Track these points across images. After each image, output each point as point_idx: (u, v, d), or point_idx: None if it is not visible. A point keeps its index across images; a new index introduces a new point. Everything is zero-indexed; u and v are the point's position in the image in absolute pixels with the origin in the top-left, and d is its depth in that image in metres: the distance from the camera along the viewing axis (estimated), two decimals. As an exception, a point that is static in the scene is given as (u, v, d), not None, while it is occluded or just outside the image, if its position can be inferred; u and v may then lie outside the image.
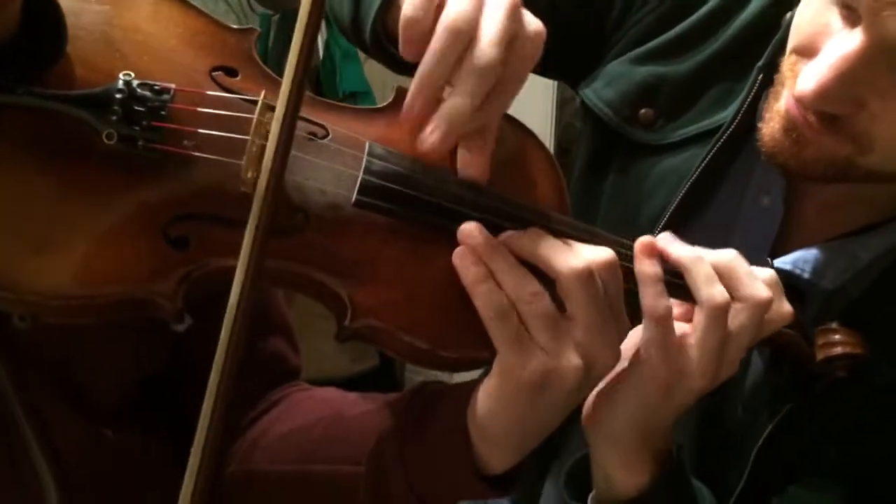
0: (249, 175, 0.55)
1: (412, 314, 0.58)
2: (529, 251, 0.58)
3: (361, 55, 2.30)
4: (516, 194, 0.62)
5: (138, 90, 0.54)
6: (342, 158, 0.58)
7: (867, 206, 0.78)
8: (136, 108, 0.54)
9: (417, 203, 0.59)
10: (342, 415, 0.70)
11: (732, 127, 0.77)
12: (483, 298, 0.57)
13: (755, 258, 0.69)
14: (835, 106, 0.65)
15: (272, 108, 0.55)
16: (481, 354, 0.59)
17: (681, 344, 0.62)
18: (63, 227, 0.53)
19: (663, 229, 0.79)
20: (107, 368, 0.66)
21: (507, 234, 0.59)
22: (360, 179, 0.58)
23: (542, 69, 0.95)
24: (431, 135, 0.57)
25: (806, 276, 0.77)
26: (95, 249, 0.53)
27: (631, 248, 0.63)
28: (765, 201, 0.79)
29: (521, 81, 0.59)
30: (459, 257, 0.58)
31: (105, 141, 0.53)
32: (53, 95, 0.53)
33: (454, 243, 0.59)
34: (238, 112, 0.56)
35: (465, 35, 0.55)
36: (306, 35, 0.52)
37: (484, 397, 0.60)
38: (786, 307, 0.66)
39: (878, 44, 0.61)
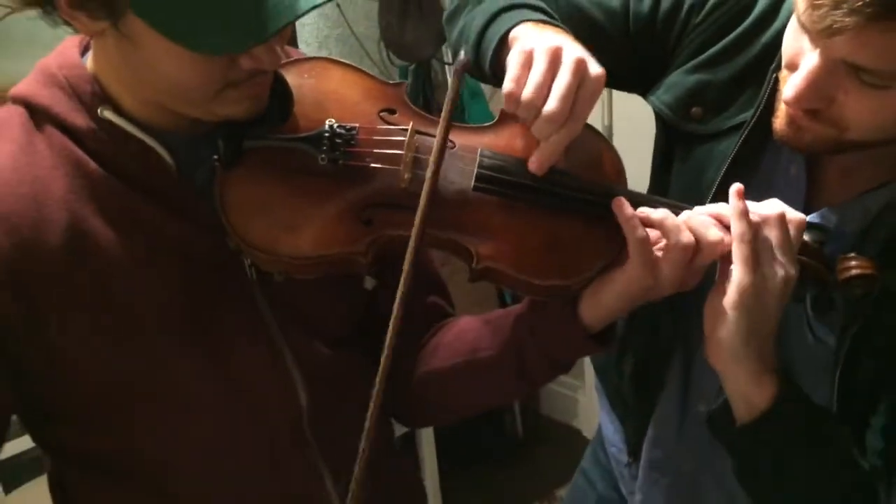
0: (406, 176, 0.86)
1: (517, 257, 0.87)
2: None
3: (486, 92, 2.62)
4: (591, 175, 0.90)
5: (337, 129, 0.87)
6: (464, 160, 0.88)
7: (878, 167, 0.95)
8: (337, 140, 0.86)
9: (515, 185, 0.88)
10: (487, 319, 1.00)
11: (755, 117, 0.99)
12: (633, 231, 0.86)
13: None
14: (811, 104, 0.86)
15: (419, 133, 0.87)
16: (563, 282, 0.88)
17: (756, 259, 0.85)
18: (300, 215, 0.85)
19: (714, 197, 1.03)
20: (329, 310, 0.97)
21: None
22: (475, 172, 0.87)
23: (620, 85, 1.21)
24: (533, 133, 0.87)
25: (830, 225, 0.98)
26: (319, 228, 0.85)
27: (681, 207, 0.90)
28: (792, 170, 1.00)
29: (588, 109, 0.86)
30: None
31: (320, 162, 0.85)
32: (288, 138, 0.86)
33: (541, 210, 0.87)
34: (397, 137, 0.87)
35: (538, 101, 0.83)
36: (452, 101, 0.82)
37: (608, 288, 0.88)
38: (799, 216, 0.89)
39: (830, 59, 0.83)
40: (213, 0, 0.70)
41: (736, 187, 0.87)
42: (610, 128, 2.61)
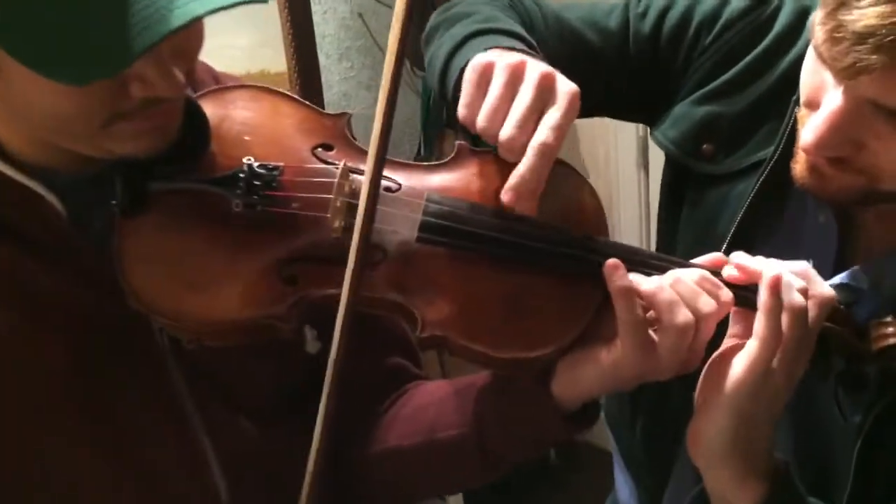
0: (336, 224, 0.72)
1: (470, 324, 0.72)
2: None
3: None
4: (562, 222, 0.75)
5: (257, 169, 0.73)
6: (409, 206, 0.74)
7: None
8: (255, 182, 0.73)
9: (468, 236, 0.73)
10: (453, 390, 0.86)
11: (776, 155, 0.85)
12: (628, 310, 0.70)
13: (821, 271, 0.77)
14: (835, 151, 0.73)
15: (355, 172, 0.73)
16: (527, 355, 0.72)
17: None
18: (210, 272, 0.72)
19: (727, 248, 0.89)
20: (261, 381, 0.84)
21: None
22: (419, 221, 0.73)
23: (622, 114, 1.07)
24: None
25: (863, 285, 0.83)
26: (232, 288, 0.72)
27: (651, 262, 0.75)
28: (821, 219, 0.86)
29: (556, 138, 0.71)
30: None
31: (234, 209, 0.72)
32: (198, 179, 0.73)
33: (501, 267, 0.73)
34: (327, 178, 0.74)
35: (493, 128, 0.71)
36: (386, 114, 0.68)
37: (589, 369, 0.73)
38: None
39: (856, 99, 0.69)
40: (67, 20, 0.57)
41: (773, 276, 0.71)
42: (645, 166, 2.44)
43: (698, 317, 0.70)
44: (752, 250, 0.77)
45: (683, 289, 0.71)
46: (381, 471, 0.87)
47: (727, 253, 0.86)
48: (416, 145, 2.43)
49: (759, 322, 0.71)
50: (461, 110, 0.73)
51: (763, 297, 0.71)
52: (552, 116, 0.71)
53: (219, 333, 0.73)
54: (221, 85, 0.80)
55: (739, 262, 0.75)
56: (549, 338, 0.73)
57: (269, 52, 2.22)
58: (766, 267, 0.73)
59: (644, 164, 2.47)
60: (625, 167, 2.52)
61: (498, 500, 2.64)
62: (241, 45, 2.16)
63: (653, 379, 0.72)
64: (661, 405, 1.03)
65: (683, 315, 0.70)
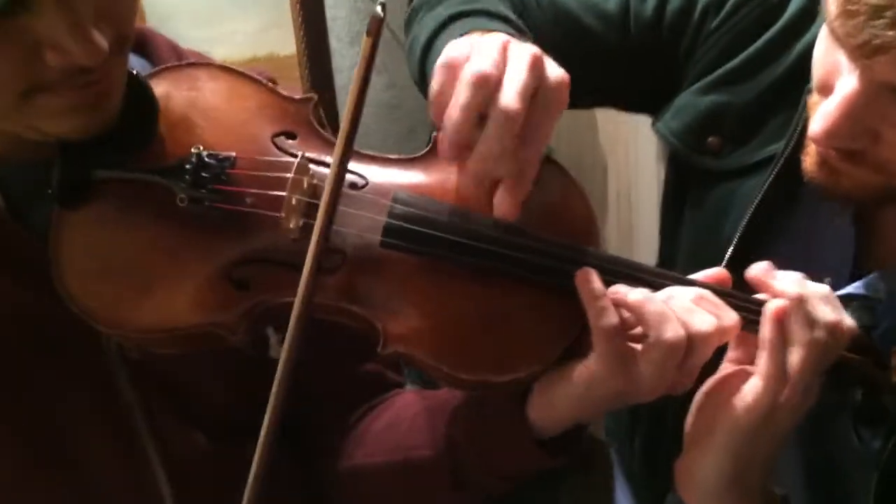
0: (292, 225, 0.65)
1: (436, 342, 0.65)
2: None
3: None
4: (550, 232, 0.67)
5: (206, 159, 0.67)
6: (374, 207, 0.67)
7: None
8: (203, 174, 0.66)
9: (439, 242, 0.65)
10: (425, 408, 0.78)
11: (788, 150, 0.77)
12: (600, 316, 0.62)
13: (837, 278, 0.70)
14: (847, 142, 0.65)
15: (316, 163, 0.66)
16: (498, 379, 0.65)
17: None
18: (153, 273, 0.66)
19: (733, 253, 0.81)
20: (219, 390, 0.77)
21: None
22: (383, 224, 0.66)
23: (625, 105, 0.99)
24: (465, 179, 0.64)
25: (882, 296, 0.75)
26: (175, 292, 0.65)
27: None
28: (837, 222, 0.78)
29: (547, 128, 0.63)
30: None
31: (179, 203, 0.66)
32: (140, 168, 0.66)
33: (476, 278, 0.65)
34: (284, 173, 0.66)
35: (486, 88, 0.59)
36: (357, 102, 0.60)
37: (563, 390, 0.66)
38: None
39: (872, 83, 0.61)
40: None
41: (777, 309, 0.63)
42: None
43: (691, 334, 0.62)
44: (759, 256, 0.69)
45: (677, 304, 0.63)
46: (350, 487, 0.81)
47: (732, 259, 0.79)
48: (428, 134, 2.35)
49: (763, 359, 0.63)
50: (432, 99, 0.64)
51: (765, 330, 0.63)
52: (544, 106, 0.61)
53: (160, 342, 0.66)
54: (176, 63, 0.73)
55: (754, 276, 0.66)
56: (526, 359, 0.65)
57: (278, 35, 2.16)
58: (783, 285, 0.65)
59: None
60: (645, 162, 2.42)
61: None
62: (248, 30, 2.10)
63: (634, 401, 0.65)
64: (659, 420, 0.96)
65: (673, 331, 0.61)
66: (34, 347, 0.68)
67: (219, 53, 1.74)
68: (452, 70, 0.62)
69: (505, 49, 0.62)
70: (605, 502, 1.25)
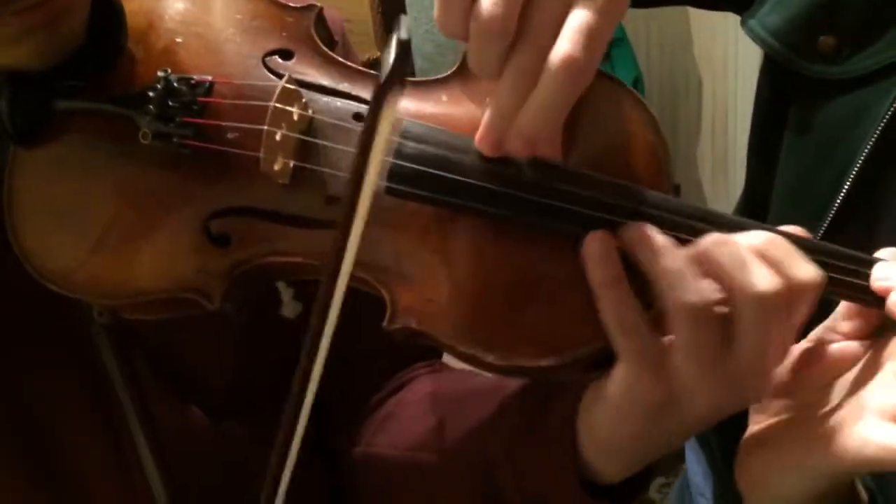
0: (276, 167, 0.53)
1: (459, 314, 0.52)
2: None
3: (631, 38, 2.19)
4: (599, 171, 0.53)
5: (175, 85, 0.54)
6: None
7: None
8: (171, 103, 0.54)
9: (460, 188, 0.52)
10: (460, 405, 0.67)
11: None
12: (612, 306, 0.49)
13: None
14: None
15: (307, 87, 0.54)
16: (533, 363, 0.52)
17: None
18: (116, 226, 0.55)
19: (850, 188, 0.66)
20: (223, 358, 0.67)
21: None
22: (389, 165, 0.52)
23: (701, 2, 0.82)
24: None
25: None
26: (140, 249, 0.54)
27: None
28: None
29: (587, 52, 0.46)
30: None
31: (142, 140, 0.53)
32: (100, 97, 0.55)
33: (507, 236, 0.52)
34: (265, 101, 0.53)
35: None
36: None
37: (599, 408, 0.54)
38: None
39: None
40: None
41: None
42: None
43: (743, 296, 0.46)
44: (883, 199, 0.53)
45: (724, 254, 0.47)
46: (364, 475, 0.71)
47: (847, 200, 0.63)
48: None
49: None
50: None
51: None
52: (579, 16, 0.46)
53: (127, 307, 0.56)
54: None
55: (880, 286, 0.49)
56: (568, 340, 0.52)
57: None
58: None
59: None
60: (746, 71, 2.20)
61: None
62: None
63: (689, 417, 0.51)
64: None
65: (700, 290, 0.47)
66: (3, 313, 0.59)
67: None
68: None
69: None
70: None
